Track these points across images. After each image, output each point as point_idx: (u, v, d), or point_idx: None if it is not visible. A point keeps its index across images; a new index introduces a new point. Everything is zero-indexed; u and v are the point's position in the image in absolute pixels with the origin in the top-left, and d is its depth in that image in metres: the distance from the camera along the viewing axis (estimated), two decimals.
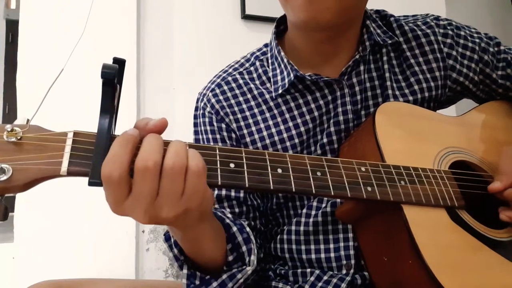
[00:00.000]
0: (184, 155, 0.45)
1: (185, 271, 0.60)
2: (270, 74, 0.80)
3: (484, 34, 0.85)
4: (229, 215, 0.68)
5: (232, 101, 0.78)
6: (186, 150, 0.46)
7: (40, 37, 1.53)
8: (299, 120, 0.76)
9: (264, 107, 0.78)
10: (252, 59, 0.84)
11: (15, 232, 1.42)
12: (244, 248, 0.63)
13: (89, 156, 0.43)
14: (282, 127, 0.76)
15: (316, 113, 0.76)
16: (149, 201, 0.44)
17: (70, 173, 0.43)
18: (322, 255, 0.73)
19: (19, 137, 0.42)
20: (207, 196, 0.48)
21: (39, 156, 0.42)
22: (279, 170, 0.52)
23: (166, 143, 0.46)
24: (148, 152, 0.43)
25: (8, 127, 0.42)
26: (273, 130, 0.76)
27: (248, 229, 0.66)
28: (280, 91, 0.76)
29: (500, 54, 0.83)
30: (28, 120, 0.43)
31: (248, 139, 0.77)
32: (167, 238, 0.63)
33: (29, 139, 0.43)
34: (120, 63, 0.45)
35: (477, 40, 0.81)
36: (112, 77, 0.42)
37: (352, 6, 0.69)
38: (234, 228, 0.64)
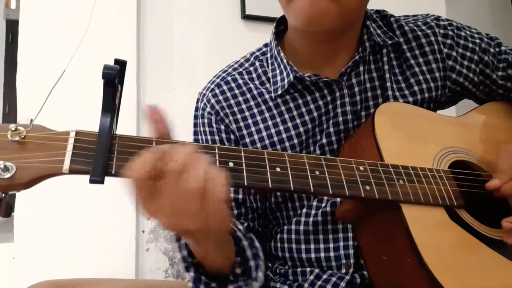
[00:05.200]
0: (204, 161, 0.47)
1: (191, 273, 0.61)
2: (270, 74, 0.80)
3: (485, 34, 0.84)
4: (240, 227, 0.68)
5: (232, 101, 0.79)
6: (205, 157, 0.47)
7: (40, 37, 1.53)
8: (298, 121, 0.76)
9: (263, 107, 0.78)
10: (252, 59, 0.84)
11: (15, 232, 1.42)
12: (252, 263, 0.63)
13: (90, 155, 0.44)
14: (281, 127, 0.76)
15: (315, 114, 0.76)
16: (172, 204, 0.45)
17: (72, 171, 0.43)
18: (322, 254, 0.73)
19: (22, 136, 0.43)
20: (227, 217, 0.50)
21: (42, 154, 0.42)
22: (278, 169, 0.52)
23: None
24: (179, 155, 0.45)
25: (12, 126, 0.43)
26: (273, 130, 0.76)
27: (257, 243, 0.66)
28: (279, 92, 0.76)
29: (501, 55, 0.83)
30: (31, 120, 0.44)
31: (247, 140, 0.77)
32: (177, 238, 0.64)
33: (33, 138, 0.43)
34: (121, 64, 0.45)
35: (478, 41, 0.81)
36: (113, 77, 0.43)
37: (353, 9, 0.69)
38: (245, 243, 0.64)
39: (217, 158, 0.50)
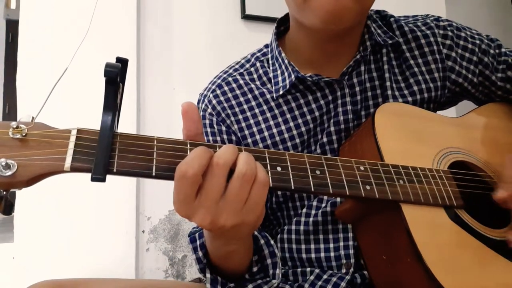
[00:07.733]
0: (254, 165, 0.48)
1: (208, 275, 0.61)
2: (271, 75, 0.80)
3: (485, 36, 0.84)
4: None
5: (233, 102, 0.79)
6: (255, 161, 0.48)
7: (40, 37, 1.54)
8: (300, 120, 0.76)
9: (265, 107, 0.78)
10: (253, 59, 0.84)
11: (15, 232, 1.42)
12: (269, 261, 0.64)
13: (92, 153, 0.44)
14: (283, 127, 0.76)
15: (316, 113, 0.76)
16: (215, 200, 0.46)
17: (73, 169, 0.43)
18: (322, 254, 0.74)
19: (24, 134, 0.43)
20: (263, 214, 0.51)
21: (44, 152, 0.42)
22: (279, 168, 0.52)
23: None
24: (222, 153, 0.46)
25: (14, 124, 0.43)
26: (275, 130, 0.76)
27: (272, 242, 0.67)
28: (281, 92, 0.76)
29: (501, 57, 0.83)
30: (33, 118, 0.44)
31: (249, 140, 0.77)
32: (192, 240, 0.64)
33: (34, 135, 0.43)
34: (123, 62, 0.45)
35: (478, 42, 0.81)
36: (115, 75, 0.43)
37: (369, 8, 0.70)
38: (262, 241, 0.65)
39: None
